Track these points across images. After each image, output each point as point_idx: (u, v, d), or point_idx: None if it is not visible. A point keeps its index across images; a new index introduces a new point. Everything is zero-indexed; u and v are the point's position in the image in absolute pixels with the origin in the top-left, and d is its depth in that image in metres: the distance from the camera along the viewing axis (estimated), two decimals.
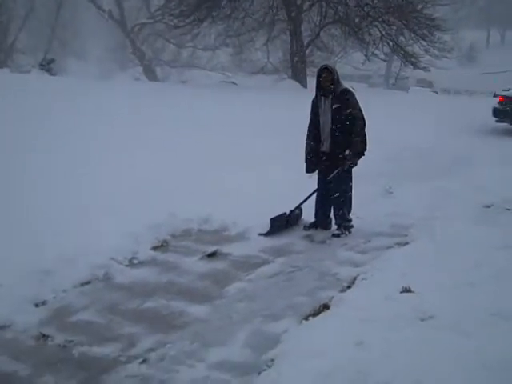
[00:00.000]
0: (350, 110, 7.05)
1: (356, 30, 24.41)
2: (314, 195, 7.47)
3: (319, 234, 7.31)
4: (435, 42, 24.69)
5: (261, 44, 29.06)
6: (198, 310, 5.13)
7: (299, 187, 7.76)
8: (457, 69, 50.14)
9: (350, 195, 7.36)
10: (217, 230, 7.40)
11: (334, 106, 7.06)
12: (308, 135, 7.36)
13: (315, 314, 4.95)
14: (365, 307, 4.84)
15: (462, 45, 59.66)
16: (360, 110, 7.15)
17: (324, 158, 7.27)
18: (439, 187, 8.97)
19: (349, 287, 5.58)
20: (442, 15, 27.08)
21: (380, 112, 14.47)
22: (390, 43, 25.46)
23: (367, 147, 7.27)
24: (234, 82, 27.73)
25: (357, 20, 24.29)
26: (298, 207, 7.55)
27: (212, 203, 7.70)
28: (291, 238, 7.17)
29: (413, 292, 5.10)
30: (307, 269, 6.17)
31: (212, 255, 6.56)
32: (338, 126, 7.07)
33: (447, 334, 4.31)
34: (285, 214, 7.44)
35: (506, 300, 4.85)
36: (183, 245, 6.91)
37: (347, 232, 7.31)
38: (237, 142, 10.76)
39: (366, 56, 26.85)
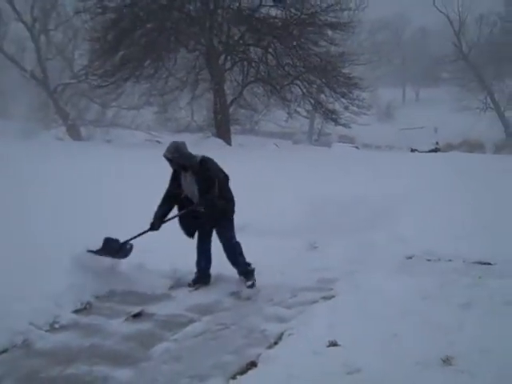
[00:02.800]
0: (212, 176, 7.17)
1: (278, 88, 25.06)
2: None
3: (245, 291, 7.25)
4: (354, 100, 25.62)
5: (185, 103, 29.31)
6: (122, 374, 4.95)
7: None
8: (376, 125, 51.76)
9: (238, 242, 7.43)
10: (142, 289, 7.24)
11: (196, 179, 7.17)
12: (164, 200, 7.40)
13: (243, 372, 4.86)
14: (292, 363, 4.80)
15: (380, 102, 62.06)
16: (220, 170, 7.30)
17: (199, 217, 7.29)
18: (363, 239, 9.11)
19: (276, 343, 5.52)
20: (360, 74, 28.19)
21: (303, 167, 14.80)
22: (312, 101, 26.27)
23: (230, 207, 7.40)
24: (158, 141, 27.75)
25: (278, 79, 24.94)
26: (129, 240, 7.39)
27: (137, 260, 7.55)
28: (217, 295, 7.10)
29: (339, 346, 5.10)
30: (234, 326, 6.09)
31: (137, 316, 6.40)
32: (210, 196, 7.15)
33: None
34: (118, 241, 7.33)
35: (430, 348, 4.91)
36: (107, 306, 6.72)
37: (254, 279, 7.37)
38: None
39: (288, 114, 27.57)
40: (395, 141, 42.02)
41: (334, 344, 5.12)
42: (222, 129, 24.17)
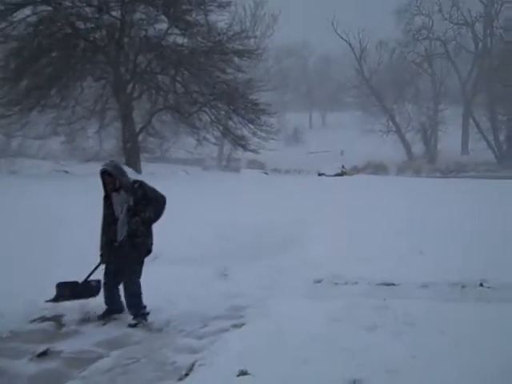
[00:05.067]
0: (149, 196, 7.14)
1: (186, 116, 25.11)
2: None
3: (155, 323, 7.16)
4: (262, 125, 25.98)
5: (93, 132, 28.85)
6: None
7: None
8: (284, 149, 52.70)
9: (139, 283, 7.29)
10: (48, 326, 7.03)
11: (129, 199, 7.11)
12: (104, 229, 7.29)
13: None
14: None
15: (287, 127, 63.28)
16: (156, 191, 7.26)
17: (119, 247, 7.19)
18: (273, 265, 9.21)
19: (187, 375, 5.46)
20: (268, 100, 28.65)
21: (213, 194, 14.81)
22: (220, 127, 26.48)
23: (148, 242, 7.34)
24: (66, 171, 27.12)
25: (186, 106, 25.00)
26: (87, 278, 7.29)
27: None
28: (127, 329, 6.96)
29: (249, 374, 5.10)
30: (145, 359, 5.99)
31: (43, 355, 6.18)
32: (135, 216, 7.11)
33: None
34: (76, 282, 7.25)
35: (338, 372, 5.00)
36: (11, 346, 6.46)
37: (144, 321, 7.20)
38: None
39: (197, 140, 27.63)
40: (303, 165, 42.81)
41: (244, 373, 5.12)
42: (132, 157, 23.89)
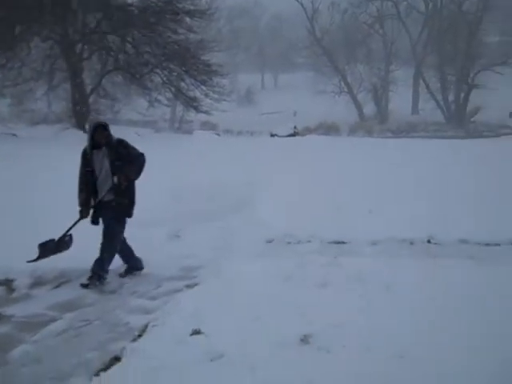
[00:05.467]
0: (131, 154, 7.20)
1: (137, 77, 24.72)
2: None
3: (109, 285, 7.15)
4: (214, 87, 25.80)
5: (41, 94, 28.18)
6: None
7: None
8: (237, 110, 52.44)
9: (116, 246, 7.35)
10: None
11: (111, 157, 7.15)
12: (82, 187, 7.26)
13: (106, 368, 4.81)
14: (156, 355, 4.82)
15: (240, 88, 62.91)
16: (136, 149, 7.31)
17: (105, 206, 7.23)
18: (225, 226, 9.23)
19: (140, 336, 5.51)
20: (220, 61, 28.41)
21: (165, 156, 14.69)
22: (172, 89, 26.17)
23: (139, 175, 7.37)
24: (14, 134, 26.50)
25: (137, 67, 24.61)
26: (65, 235, 7.38)
27: None
28: (80, 292, 6.93)
29: (202, 333, 5.18)
30: (98, 321, 6.00)
31: None
32: (119, 174, 7.12)
33: (235, 370, 4.45)
34: (53, 240, 7.31)
35: (289, 329, 5.12)
36: None
37: (98, 282, 7.15)
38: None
39: (149, 102, 27.28)
40: (256, 126, 42.74)
41: (197, 332, 5.20)
42: (82, 119, 23.50)
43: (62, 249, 7.40)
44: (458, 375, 4.32)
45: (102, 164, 7.19)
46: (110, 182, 7.18)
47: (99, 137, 7.16)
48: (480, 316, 5.33)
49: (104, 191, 7.21)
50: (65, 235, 7.37)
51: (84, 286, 7.08)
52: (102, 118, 33.46)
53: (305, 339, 4.94)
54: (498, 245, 7.92)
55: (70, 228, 7.34)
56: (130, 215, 7.43)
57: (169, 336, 5.21)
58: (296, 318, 5.36)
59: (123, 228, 7.42)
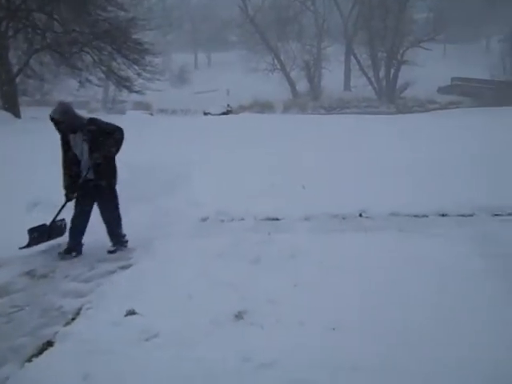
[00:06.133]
0: (105, 130, 7.20)
1: (67, 56, 24.07)
2: None
3: (41, 269, 7.01)
4: (146, 66, 25.42)
5: None
6: None
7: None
8: (171, 90, 51.98)
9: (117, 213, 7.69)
10: None
11: (87, 138, 7.16)
12: (65, 168, 7.33)
13: (39, 353, 4.74)
14: (90, 337, 4.79)
15: (173, 67, 62.28)
16: (111, 124, 7.33)
17: (88, 184, 7.33)
18: (159, 206, 9.16)
19: (74, 319, 5.44)
20: (152, 39, 27.98)
21: None
22: (103, 68, 25.62)
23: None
24: None
25: (66, 46, 23.94)
26: (55, 218, 7.46)
27: None
28: (9, 276, 6.77)
29: (137, 314, 5.17)
30: (29, 307, 5.88)
31: None
32: (97, 154, 7.18)
33: (171, 349, 4.46)
34: (45, 224, 7.38)
35: (223, 306, 5.16)
36: None
37: (123, 247, 7.59)
38: None
39: (80, 82, 26.64)
40: (190, 105, 42.48)
41: (131, 313, 5.19)
42: (9, 101, 22.75)
43: (57, 235, 7.52)
44: (392, 345, 4.46)
45: (82, 147, 7.21)
46: (90, 162, 7.22)
47: (60, 129, 7.13)
48: (410, 285, 5.52)
49: (88, 172, 7.27)
50: (54, 220, 7.40)
51: (112, 251, 7.48)
52: (30, 100, 32.71)
53: (239, 315, 5.00)
54: (426, 216, 8.15)
55: (59, 212, 7.37)
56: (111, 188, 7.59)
57: (103, 318, 5.17)
58: (230, 295, 5.41)
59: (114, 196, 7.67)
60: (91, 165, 7.22)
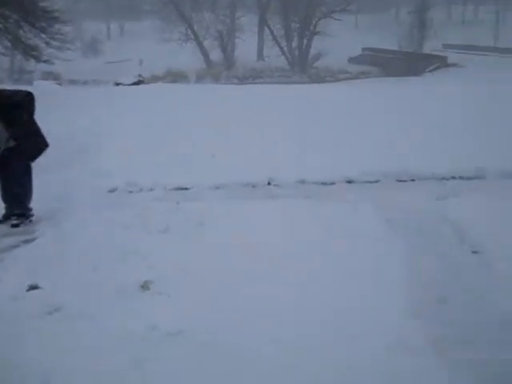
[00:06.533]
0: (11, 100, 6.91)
1: None
2: None
3: None
4: (56, 34, 24.56)
5: None
6: None
7: None
8: (82, 60, 50.58)
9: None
10: None
11: None
12: None
13: None
14: None
15: (84, 36, 60.54)
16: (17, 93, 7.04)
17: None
18: (66, 177, 8.92)
19: None
20: (61, 7, 27.07)
21: None
22: (9, 37, 24.58)
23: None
24: None
25: None
26: None
27: None
28: None
29: (40, 288, 5.04)
30: None
31: None
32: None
33: (74, 322, 4.40)
34: None
35: (129, 276, 5.12)
36: None
37: (28, 221, 7.20)
38: None
39: None
40: (102, 75, 41.49)
41: (34, 287, 5.05)
42: None
43: None
44: (299, 307, 4.56)
45: None
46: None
47: None
48: (318, 249, 5.64)
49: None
50: None
51: (15, 225, 7.05)
52: None
53: (145, 285, 4.96)
54: (334, 183, 8.32)
55: None
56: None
57: (3, 293, 5.01)
58: (136, 265, 5.36)
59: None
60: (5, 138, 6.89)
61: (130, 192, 8.34)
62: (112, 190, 8.43)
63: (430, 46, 50.66)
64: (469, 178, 8.34)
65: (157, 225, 6.39)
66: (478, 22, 79.05)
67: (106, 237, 6.14)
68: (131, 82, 26.51)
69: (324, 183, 8.33)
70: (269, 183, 8.44)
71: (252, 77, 44.49)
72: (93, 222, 6.66)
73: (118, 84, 26.25)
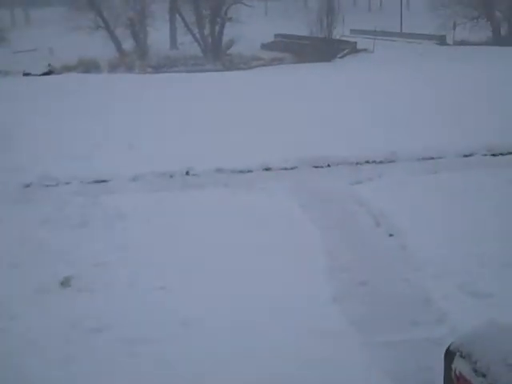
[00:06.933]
0: None
1: None
2: None
3: None
4: None
5: None
6: None
7: None
8: None
9: None
10: None
11: None
12: None
13: None
14: None
15: None
16: None
17: None
18: None
19: None
20: None
21: None
22: None
23: None
24: None
25: None
26: None
27: None
28: None
29: None
30: None
31: None
32: None
33: None
34: None
35: (48, 273, 5.04)
36: None
37: None
38: None
39: None
40: (10, 65, 39.93)
41: None
42: None
43: None
44: (219, 296, 4.61)
45: None
46: None
47: None
48: (237, 237, 5.72)
49: None
50: None
51: None
52: None
53: (65, 282, 4.90)
54: (251, 171, 8.38)
55: None
56: None
57: None
58: (56, 261, 5.29)
59: None
60: None
61: (46, 186, 8.11)
62: (28, 185, 8.17)
63: (340, 32, 51.54)
64: (381, 162, 8.59)
65: (74, 219, 6.31)
66: (382, 9, 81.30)
67: (23, 233, 6.00)
68: (41, 72, 25.70)
69: (242, 171, 8.36)
70: (187, 173, 8.41)
71: (166, 65, 43.98)
72: (8, 219, 6.49)
73: (26, 74, 25.37)
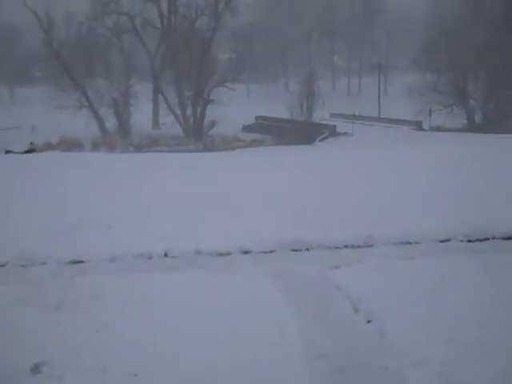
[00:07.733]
0: None
1: None
2: None
3: None
4: None
5: None
6: None
7: None
8: None
9: None
10: None
11: None
12: None
13: None
14: None
15: None
16: None
17: None
18: None
19: None
20: None
21: None
22: None
23: None
24: None
25: None
26: None
27: None
28: None
29: None
30: None
31: None
32: None
33: None
34: None
35: (21, 357, 4.92)
36: None
37: None
38: None
39: None
40: None
41: None
42: None
43: None
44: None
45: None
46: None
47: None
48: (209, 324, 5.65)
49: None
50: None
51: None
52: None
53: (36, 368, 4.77)
54: (230, 254, 8.36)
55: None
56: None
57: None
58: (27, 345, 5.17)
59: None
60: None
61: (22, 266, 8.01)
62: (3, 265, 8.08)
63: (319, 115, 52.74)
64: (359, 246, 8.64)
65: (49, 301, 6.20)
66: (361, 94, 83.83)
67: None
68: (23, 149, 25.87)
69: (220, 254, 8.34)
70: (165, 255, 8.37)
71: (148, 145, 44.51)
72: None
73: (8, 152, 25.52)
